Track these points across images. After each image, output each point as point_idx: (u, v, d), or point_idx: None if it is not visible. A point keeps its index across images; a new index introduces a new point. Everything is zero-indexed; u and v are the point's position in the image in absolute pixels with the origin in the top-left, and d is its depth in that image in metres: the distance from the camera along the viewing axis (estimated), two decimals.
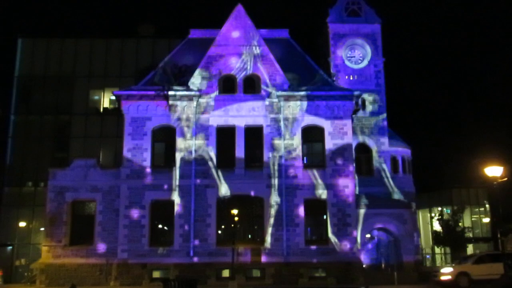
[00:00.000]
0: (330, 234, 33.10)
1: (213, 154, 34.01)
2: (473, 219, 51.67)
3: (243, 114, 34.65)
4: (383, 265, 35.56)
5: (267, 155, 34.08)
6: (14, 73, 44.63)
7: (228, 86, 35.30)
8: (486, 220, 52.17)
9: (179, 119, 34.54)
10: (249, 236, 34.16)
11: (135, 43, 45.58)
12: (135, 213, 32.97)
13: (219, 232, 33.55)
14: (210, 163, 33.87)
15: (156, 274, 32.12)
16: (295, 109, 34.82)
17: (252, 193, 33.58)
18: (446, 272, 27.30)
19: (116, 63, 44.85)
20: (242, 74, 35.32)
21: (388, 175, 38.65)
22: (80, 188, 33.61)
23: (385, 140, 39.13)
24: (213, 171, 33.78)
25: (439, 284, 27.78)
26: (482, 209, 52.40)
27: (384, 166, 38.62)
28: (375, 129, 39.27)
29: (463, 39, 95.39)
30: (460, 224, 35.92)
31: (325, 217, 33.62)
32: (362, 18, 41.60)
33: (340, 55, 40.64)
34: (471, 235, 43.37)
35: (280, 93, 34.74)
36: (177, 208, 33.20)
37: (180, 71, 35.58)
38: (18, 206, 41.69)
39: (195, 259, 32.35)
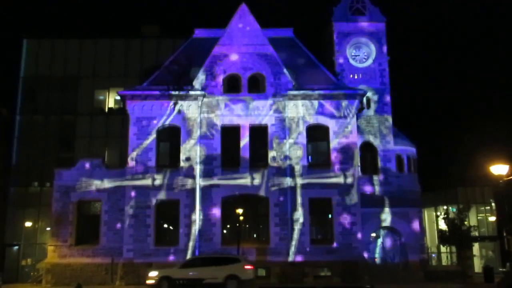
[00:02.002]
0: (335, 233, 33.07)
1: (218, 154, 34.02)
2: (479, 217, 51.53)
3: (248, 113, 34.64)
4: (388, 264, 35.43)
5: (272, 154, 34.07)
6: (19, 73, 44.82)
7: (232, 86, 35.28)
8: (492, 218, 52.01)
9: (183, 118, 34.56)
10: (254, 235, 34.22)
11: (139, 43, 45.67)
12: (140, 213, 33.03)
13: (224, 231, 33.57)
14: (215, 162, 33.88)
15: None
16: (300, 108, 34.77)
17: (257, 193, 33.56)
18: (151, 276, 27.17)
19: (121, 63, 44.96)
20: (246, 73, 35.29)
21: (393, 174, 38.53)
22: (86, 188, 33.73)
23: (390, 139, 39.00)
24: (218, 170, 33.79)
25: None
26: (488, 207, 52.25)
27: (389, 165, 38.50)
28: (380, 128, 39.16)
29: (468, 38, 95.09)
30: (465, 222, 35.63)
31: (330, 216, 33.58)
32: (366, 16, 41.48)
33: (344, 54, 40.51)
34: (477, 233, 43.16)
35: (284, 92, 34.72)
36: (182, 208, 33.24)
37: (185, 70, 35.62)
38: (24, 206, 41.88)
39: None
